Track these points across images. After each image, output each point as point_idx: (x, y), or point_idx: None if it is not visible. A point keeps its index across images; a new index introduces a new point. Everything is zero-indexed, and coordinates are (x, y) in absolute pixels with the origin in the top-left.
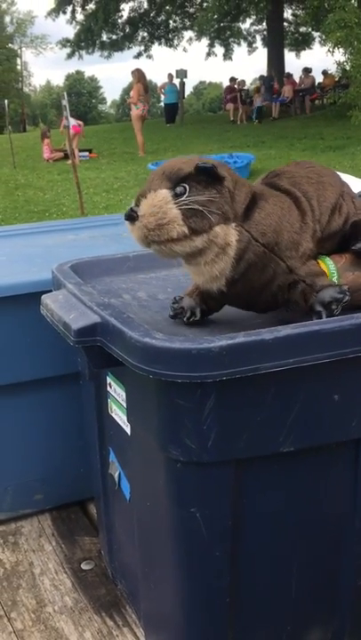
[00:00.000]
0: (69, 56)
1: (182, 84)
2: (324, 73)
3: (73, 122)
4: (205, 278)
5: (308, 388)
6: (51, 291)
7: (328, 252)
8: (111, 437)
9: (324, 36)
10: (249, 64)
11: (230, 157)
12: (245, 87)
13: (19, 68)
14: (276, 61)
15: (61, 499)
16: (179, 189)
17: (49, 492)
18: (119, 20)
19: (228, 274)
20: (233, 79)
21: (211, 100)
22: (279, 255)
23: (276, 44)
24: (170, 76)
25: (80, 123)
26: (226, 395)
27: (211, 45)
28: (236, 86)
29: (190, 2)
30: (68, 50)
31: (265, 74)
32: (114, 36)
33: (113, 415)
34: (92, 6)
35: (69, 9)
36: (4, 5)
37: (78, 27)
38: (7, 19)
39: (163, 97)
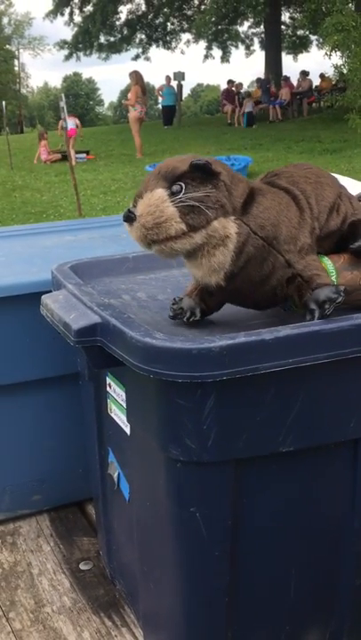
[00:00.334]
0: (67, 58)
1: (180, 87)
2: (322, 76)
3: (71, 123)
4: (204, 271)
5: (307, 388)
6: (50, 291)
7: (326, 251)
8: (110, 438)
9: (321, 40)
10: (246, 67)
11: (228, 160)
12: (243, 90)
13: (16, 69)
14: (273, 64)
15: (60, 499)
16: (175, 188)
17: (47, 492)
18: (117, 22)
19: (227, 267)
20: (231, 82)
21: (208, 102)
22: (278, 249)
23: (274, 46)
24: (167, 78)
25: (77, 123)
26: (226, 394)
27: (208, 48)
28: (234, 89)
29: (188, 4)
30: (65, 51)
31: (262, 76)
32: (112, 38)
33: (112, 415)
34: (89, 8)
35: (67, 11)
36: (2, 7)
37: (76, 28)
38: (5, 20)
39: (160, 99)
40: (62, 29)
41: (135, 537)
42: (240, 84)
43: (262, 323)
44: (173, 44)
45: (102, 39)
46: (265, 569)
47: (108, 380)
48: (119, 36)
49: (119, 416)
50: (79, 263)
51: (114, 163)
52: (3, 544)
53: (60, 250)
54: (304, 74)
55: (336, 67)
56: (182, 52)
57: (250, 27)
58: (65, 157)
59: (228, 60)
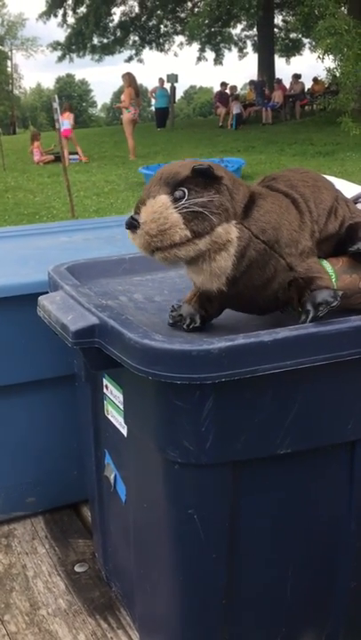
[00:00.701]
0: (60, 59)
1: (173, 89)
2: (315, 80)
3: (66, 124)
4: (206, 277)
5: (305, 390)
6: (46, 292)
7: (325, 254)
8: (107, 439)
9: (314, 43)
10: (239, 69)
11: (221, 162)
12: (237, 92)
13: (9, 70)
14: (266, 67)
15: (54, 501)
16: (178, 193)
17: (42, 494)
18: (110, 24)
19: (229, 272)
20: (224, 84)
21: (201, 104)
22: (279, 252)
23: (267, 49)
24: (161, 80)
25: (71, 123)
26: (224, 396)
27: (202, 50)
28: (228, 91)
29: (182, 7)
30: (58, 53)
31: (255, 79)
32: (105, 40)
33: (109, 417)
34: (83, 9)
35: (61, 12)
36: None
37: (69, 30)
38: None
39: (153, 101)
40: (55, 30)
41: (131, 539)
42: (234, 87)
43: (261, 324)
44: (167, 47)
45: (95, 41)
46: (262, 571)
47: (105, 382)
48: (112, 37)
49: (116, 418)
50: (76, 264)
51: (107, 164)
52: None
53: (55, 251)
54: (296, 77)
55: (329, 70)
56: (175, 55)
57: (243, 29)
58: (58, 159)
59: (221, 63)
